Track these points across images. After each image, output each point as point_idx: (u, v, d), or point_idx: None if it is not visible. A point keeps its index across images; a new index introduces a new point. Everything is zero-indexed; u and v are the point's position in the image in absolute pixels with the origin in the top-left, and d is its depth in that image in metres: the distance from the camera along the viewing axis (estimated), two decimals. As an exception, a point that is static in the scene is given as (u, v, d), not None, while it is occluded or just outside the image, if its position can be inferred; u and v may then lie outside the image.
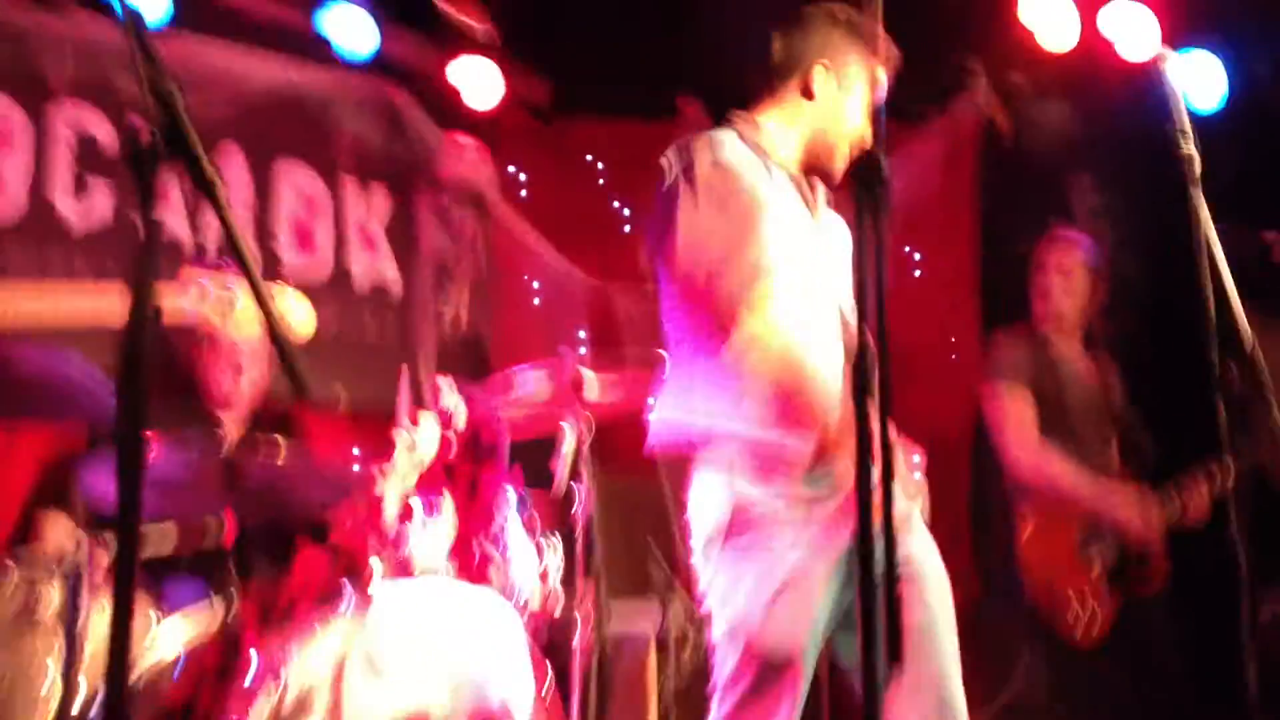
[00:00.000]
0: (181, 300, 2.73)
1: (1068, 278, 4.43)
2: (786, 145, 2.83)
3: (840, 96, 2.84)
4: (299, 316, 3.00)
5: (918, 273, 5.69)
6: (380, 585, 2.92)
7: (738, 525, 2.51)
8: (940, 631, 2.61)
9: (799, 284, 2.60)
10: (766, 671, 2.49)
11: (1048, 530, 4.18)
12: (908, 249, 5.63)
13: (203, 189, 1.78)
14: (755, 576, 2.49)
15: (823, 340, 2.63)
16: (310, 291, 4.74)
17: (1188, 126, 2.83)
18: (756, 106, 2.90)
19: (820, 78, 2.83)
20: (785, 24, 2.91)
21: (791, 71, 2.86)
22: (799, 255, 2.64)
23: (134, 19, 1.81)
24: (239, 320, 2.79)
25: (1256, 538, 3.33)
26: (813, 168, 2.86)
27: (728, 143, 2.70)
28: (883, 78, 2.69)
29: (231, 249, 1.83)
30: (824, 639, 2.60)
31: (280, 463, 2.98)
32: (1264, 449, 3.41)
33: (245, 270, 1.85)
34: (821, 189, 2.88)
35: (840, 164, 2.85)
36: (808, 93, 2.84)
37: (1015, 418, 4.24)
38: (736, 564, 2.52)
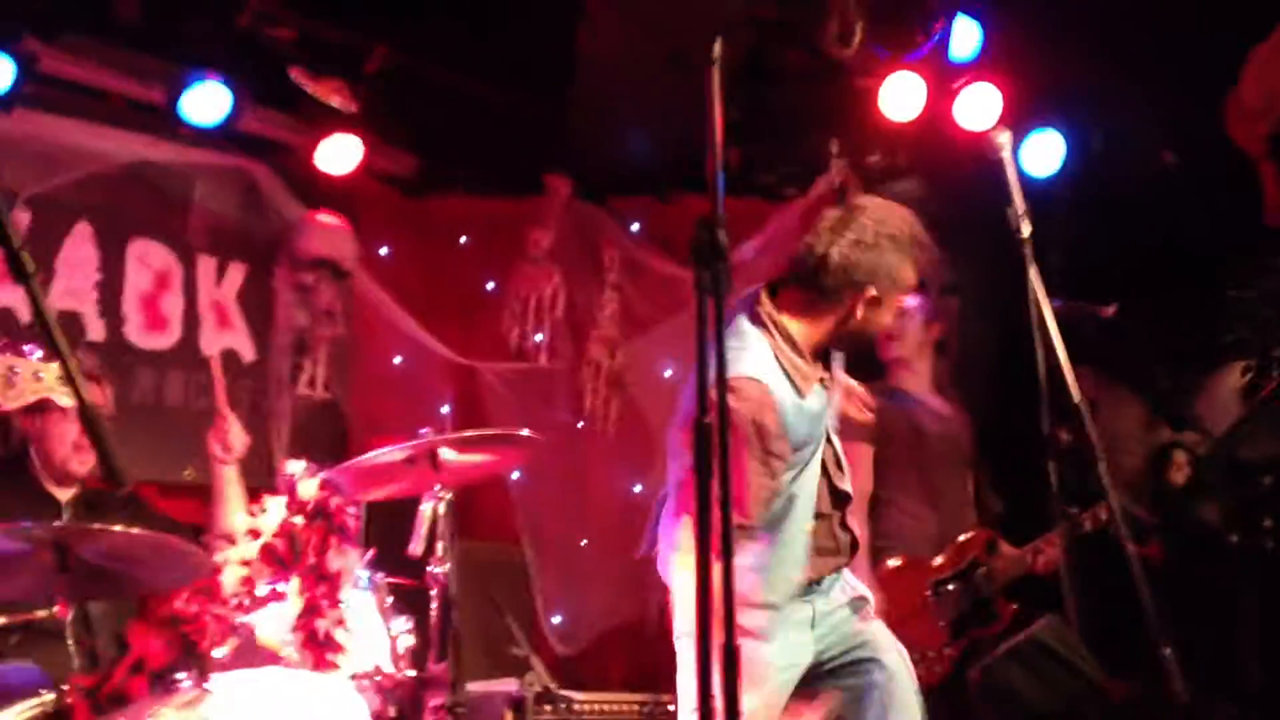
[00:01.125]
0: None
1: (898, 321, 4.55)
2: (804, 343, 2.93)
3: (878, 313, 2.97)
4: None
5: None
6: (221, 678, 2.84)
7: None
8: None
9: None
10: None
11: (899, 577, 4.28)
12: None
13: (17, 278, 1.76)
14: None
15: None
16: (158, 364, 4.68)
17: (1023, 206, 2.95)
18: (786, 302, 2.94)
19: (866, 304, 2.94)
20: (845, 240, 2.93)
21: (840, 292, 2.92)
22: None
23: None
24: (15, 394, 2.71)
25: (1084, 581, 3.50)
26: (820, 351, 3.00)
27: (778, 399, 2.82)
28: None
29: (44, 337, 1.80)
30: None
31: (117, 542, 2.89)
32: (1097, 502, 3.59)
33: (59, 355, 1.82)
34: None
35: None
36: (851, 313, 2.94)
37: None
38: None
